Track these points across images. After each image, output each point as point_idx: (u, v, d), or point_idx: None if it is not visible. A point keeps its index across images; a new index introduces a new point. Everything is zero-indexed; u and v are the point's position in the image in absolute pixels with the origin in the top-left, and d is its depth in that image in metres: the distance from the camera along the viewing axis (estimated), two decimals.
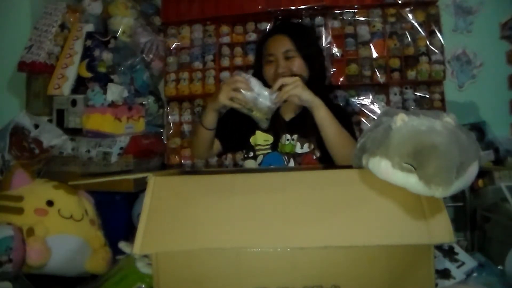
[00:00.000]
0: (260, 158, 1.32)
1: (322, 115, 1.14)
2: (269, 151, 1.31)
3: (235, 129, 1.34)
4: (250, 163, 1.34)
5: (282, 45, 1.28)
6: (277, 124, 1.29)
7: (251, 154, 1.34)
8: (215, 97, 1.16)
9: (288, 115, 1.35)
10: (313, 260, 0.66)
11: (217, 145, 1.36)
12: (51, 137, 1.79)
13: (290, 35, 1.29)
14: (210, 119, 1.23)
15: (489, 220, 1.40)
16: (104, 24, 2.04)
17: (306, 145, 1.29)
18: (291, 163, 1.28)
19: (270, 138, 1.32)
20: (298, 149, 1.29)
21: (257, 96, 1.10)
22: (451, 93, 2.13)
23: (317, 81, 1.31)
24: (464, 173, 0.58)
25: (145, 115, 1.98)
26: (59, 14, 1.91)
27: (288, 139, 1.30)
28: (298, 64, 1.27)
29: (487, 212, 1.44)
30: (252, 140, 1.34)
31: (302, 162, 1.28)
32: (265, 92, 1.11)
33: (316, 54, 1.34)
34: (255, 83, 1.11)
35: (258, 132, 1.33)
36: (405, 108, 2.08)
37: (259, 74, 1.32)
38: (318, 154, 1.28)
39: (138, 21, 2.05)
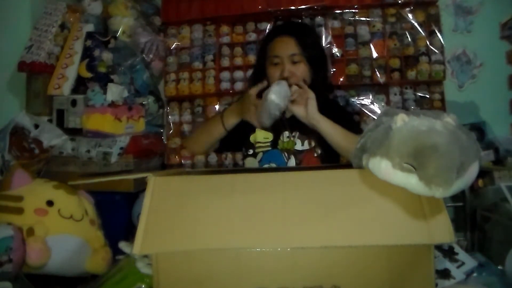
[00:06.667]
0: (259, 156, 1.32)
1: (325, 128, 1.17)
2: (269, 148, 1.32)
3: (235, 128, 1.34)
4: (250, 161, 1.34)
5: (289, 48, 1.27)
6: (277, 121, 1.29)
7: (251, 151, 1.34)
8: (245, 109, 1.22)
9: (289, 112, 1.35)
10: (313, 260, 0.66)
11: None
12: (51, 137, 1.78)
13: (296, 37, 1.28)
14: (233, 121, 1.26)
15: (489, 220, 1.41)
16: (104, 24, 2.04)
17: (306, 142, 1.29)
18: (291, 160, 1.29)
19: (270, 136, 1.32)
20: (299, 146, 1.29)
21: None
22: (451, 93, 2.13)
23: (319, 85, 1.31)
24: (464, 173, 0.58)
25: (145, 115, 1.98)
26: (59, 14, 1.91)
27: (288, 136, 1.30)
28: (302, 70, 1.28)
29: (487, 212, 1.44)
30: (252, 138, 1.34)
31: (302, 160, 1.28)
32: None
33: (320, 58, 1.34)
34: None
35: (258, 130, 1.33)
36: (405, 108, 2.08)
37: (260, 74, 1.32)
38: (319, 152, 1.28)
39: (138, 21, 2.05)
